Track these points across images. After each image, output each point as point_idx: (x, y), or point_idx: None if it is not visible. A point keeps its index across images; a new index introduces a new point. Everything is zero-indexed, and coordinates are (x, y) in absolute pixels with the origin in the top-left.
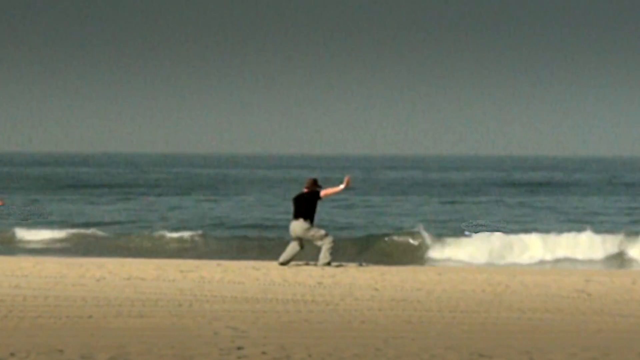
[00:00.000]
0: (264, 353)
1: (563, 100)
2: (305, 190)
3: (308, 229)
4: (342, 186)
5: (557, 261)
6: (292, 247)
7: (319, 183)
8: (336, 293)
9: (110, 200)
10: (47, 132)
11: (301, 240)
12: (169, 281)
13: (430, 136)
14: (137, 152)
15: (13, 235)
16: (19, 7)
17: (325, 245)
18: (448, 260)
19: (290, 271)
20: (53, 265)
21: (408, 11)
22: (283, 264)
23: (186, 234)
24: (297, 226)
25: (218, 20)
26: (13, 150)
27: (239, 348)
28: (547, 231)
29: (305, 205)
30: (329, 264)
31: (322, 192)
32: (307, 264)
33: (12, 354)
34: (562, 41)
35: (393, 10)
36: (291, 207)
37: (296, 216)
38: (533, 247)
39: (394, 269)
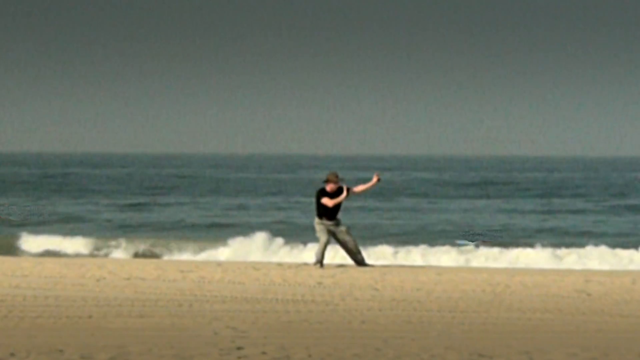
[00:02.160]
0: (264, 353)
1: (563, 100)
2: (328, 188)
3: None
4: (373, 181)
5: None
6: (349, 249)
7: (324, 183)
8: (336, 293)
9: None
10: (47, 131)
11: (334, 236)
12: (169, 281)
13: (429, 136)
14: (135, 152)
15: None
16: (18, 6)
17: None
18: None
19: (290, 271)
20: (53, 265)
21: (409, 11)
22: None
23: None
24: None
25: (218, 20)
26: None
27: (239, 348)
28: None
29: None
30: (315, 264)
31: (352, 190)
32: (306, 264)
33: (12, 354)
34: (562, 41)
35: (394, 10)
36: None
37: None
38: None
39: (394, 269)
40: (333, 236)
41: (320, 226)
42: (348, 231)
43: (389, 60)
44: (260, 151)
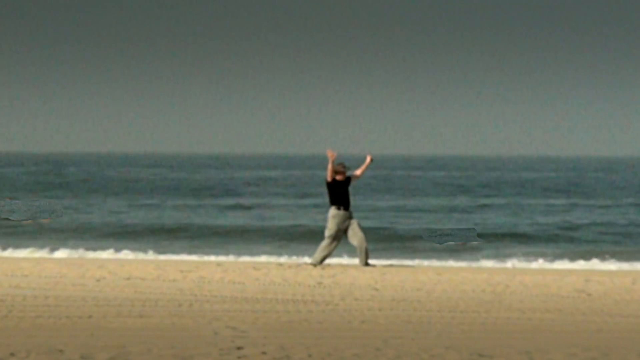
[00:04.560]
0: (264, 353)
1: (564, 100)
2: (338, 177)
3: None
4: (367, 162)
5: None
6: (357, 240)
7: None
8: (336, 293)
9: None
10: (46, 132)
11: (345, 232)
12: (169, 281)
13: (429, 136)
14: (135, 152)
15: None
16: (18, 5)
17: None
18: None
19: (290, 271)
20: (53, 265)
21: (409, 11)
22: (368, 265)
23: None
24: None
25: (218, 20)
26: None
27: (239, 348)
28: None
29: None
30: (312, 264)
31: (354, 175)
32: (305, 264)
33: (12, 354)
34: (563, 42)
35: (393, 10)
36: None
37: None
38: None
39: (394, 269)
40: (344, 232)
41: (334, 219)
42: (359, 225)
43: (389, 61)
44: (259, 151)
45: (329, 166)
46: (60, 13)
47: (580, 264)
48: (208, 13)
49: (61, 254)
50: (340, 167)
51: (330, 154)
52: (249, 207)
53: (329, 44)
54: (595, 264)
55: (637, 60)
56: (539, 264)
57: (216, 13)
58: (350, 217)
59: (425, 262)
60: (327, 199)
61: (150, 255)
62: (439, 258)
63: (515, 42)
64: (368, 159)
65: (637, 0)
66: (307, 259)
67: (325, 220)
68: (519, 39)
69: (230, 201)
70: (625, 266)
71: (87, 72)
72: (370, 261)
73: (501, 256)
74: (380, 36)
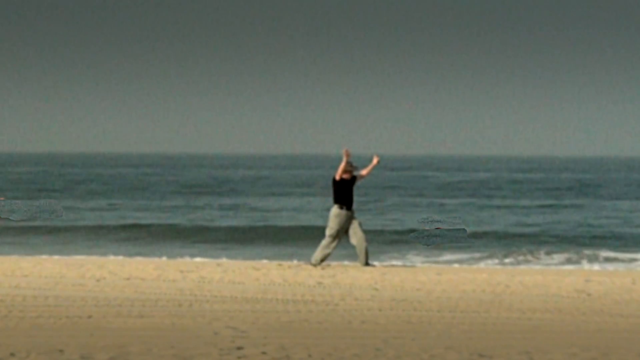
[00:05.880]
0: (264, 353)
1: (564, 101)
2: (345, 176)
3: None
4: (374, 163)
5: None
6: (357, 240)
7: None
8: (336, 293)
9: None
10: (46, 132)
11: (346, 232)
12: (169, 281)
13: (429, 136)
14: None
15: None
16: (19, 5)
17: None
18: None
19: (290, 271)
20: (53, 265)
21: (410, 11)
22: (368, 265)
23: None
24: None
25: (218, 20)
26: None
27: (239, 348)
28: None
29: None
30: (312, 263)
31: (359, 175)
32: (305, 264)
33: (12, 354)
34: (563, 42)
35: (393, 10)
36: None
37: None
38: None
39: (394, 269)
40: (345, 232)
41: (337, 219)
42: (360, 225)
43: (388, 61)
44: (259, 151)
45: (342, 164)
46: (60, 13)
47: (580, 264)
48: (209, 13)
49: (61, 254)
50: (348, 166)
51: (346, 153)
52: (248, 207)
53: (329, 44)
54: (595, 264)
55: (637, 60)
56: (539, 264)
57: (217, 13)
58: (352, 217)
59: (425, 262)
60: (327, 199)
61: (151, 256)
62: (437, 257)
63: (515, 43)
64: (375, 160)
65: (638, 0)
66: (306, 259)
67: (326, 219)
68: (519, 39)
69: (230, 201)
70: (625, 266)
71: (88, 72)
72: (370, 261)
73: (501, 256)
74: (381, 37)
